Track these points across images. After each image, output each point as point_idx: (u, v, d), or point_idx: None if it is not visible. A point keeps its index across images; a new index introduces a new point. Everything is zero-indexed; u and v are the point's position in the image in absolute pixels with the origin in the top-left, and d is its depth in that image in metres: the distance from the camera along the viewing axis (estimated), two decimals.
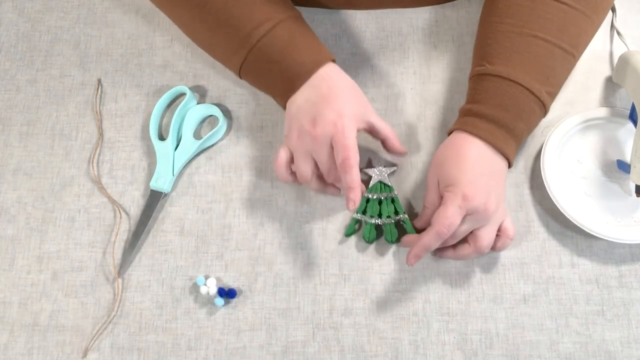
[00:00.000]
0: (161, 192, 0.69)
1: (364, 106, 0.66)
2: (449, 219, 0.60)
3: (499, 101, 0.63)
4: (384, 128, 0.66)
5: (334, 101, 0.63)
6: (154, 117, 0.71)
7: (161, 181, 0.69)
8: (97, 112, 0.74)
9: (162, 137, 0.72)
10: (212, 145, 0.72)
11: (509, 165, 0.65)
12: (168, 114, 0.73)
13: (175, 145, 0.70)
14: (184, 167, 0.71)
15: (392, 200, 0.68)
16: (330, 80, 0.64)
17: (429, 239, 0.61)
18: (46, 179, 0.71)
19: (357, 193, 0.61)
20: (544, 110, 0.65)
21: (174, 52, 0.76)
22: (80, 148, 0.72)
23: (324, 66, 0.64)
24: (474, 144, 0.63)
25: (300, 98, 0.64)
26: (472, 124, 0.63)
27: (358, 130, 0.64)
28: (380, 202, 0.68)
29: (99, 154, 0.72)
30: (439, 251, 0.66)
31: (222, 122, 0.71)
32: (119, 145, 0.72)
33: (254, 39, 0.63)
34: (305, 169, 0.64)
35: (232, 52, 0.65)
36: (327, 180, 0.66)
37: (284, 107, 0.67)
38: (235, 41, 0.64)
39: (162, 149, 0.70)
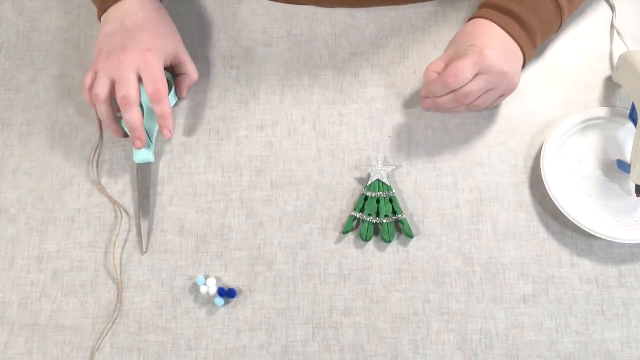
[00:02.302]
0: (149, 163, 0.70)
1: (175, 42, 0.70)
2: (460, 70, 0.63)
3: None
4: (190, 65, 0.71)
5: (146, 33, 0.67)
6: None
7: (143, 153, 0.69)
8: (97, 112, 0.74)
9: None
10: (175, 105, 0.73)
11: (524, 61, 0.68)
12: None
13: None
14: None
15: (391, 200, 0.68)
16: (150, 9, 0.68)
17: (436, 85, 0.65)
18: (46, 179, 0.71)
19: (170, 121, 0.67)
20: (560, 13, 0.68)
21: None
22: (80, 148, 0.72)
23: None
24: (492, 26, 0.66)
25: (114, 22, 0.67)
26: (488, 14, 0.67)
27: (166, 66, 0.69)
28: (378, 200, 0.68)
29: (99, 154, 0.72)
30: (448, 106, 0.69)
31: (174, 83, 0.72)
32: (119, 145, 0.72)
33: None
34: (101, 90, 0.65)
35: None
36: (119, 105, 0.65)
37: (99, 16, 0.70)
38: None
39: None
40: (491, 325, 0.65)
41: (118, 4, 0.68)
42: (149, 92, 0.65)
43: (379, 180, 0.69)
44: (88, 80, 0.66)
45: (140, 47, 0.65)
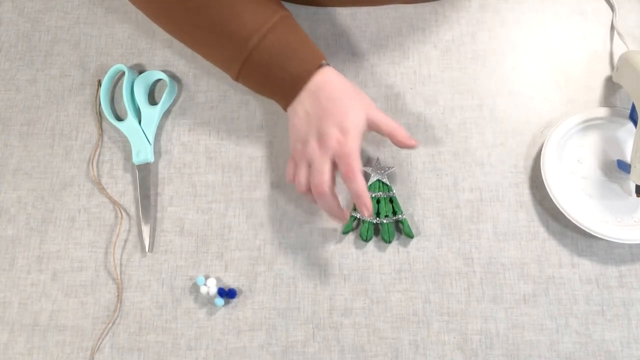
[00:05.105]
0: (147, 163, 0.71)
1: (365, 106, 0.65)
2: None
3: None
4: (386, 124, 0.65)
5: (335, 114, 0.63)
6: (103, 102, 0.72)
7: (142, 154, 0.70)
8: (97, 112, 0.74)
9: (120, 118, 0.73)
10: (171, 106, 0.74)
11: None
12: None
13: (138, 119, 0.72)
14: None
15: (391, 200, 0.68)
16: (327, 89, 0.64)
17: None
18: (46, 179, 0.71)
19: (366, 199, 0.61)
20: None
21: (174, 52, 0.76)
22: (80, 148, 0.72)
23: (319, 72, 0.64)
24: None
25: (301, 109, 0.64)
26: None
27: (362, 134, 0.64)
28: (378, 201, 0.68)
29: (99, 154, 0.72)
30: None
31: (169, 82, 0.73)
32: (119, 145, 0.72)
33: (247, 50, 0.63)
34: (304, 179, 0.64)
35: (228, 62, 0.66)
36: (316, 191, 0.64)
37: (285, 109, 0.67)
38: (229, 51, 0.65)
39: (127, 127, 0.71)
40: (491, 325, 0.65)
41: (299, 96, 0.65)
42: (342, 172, 0.62)
43: (379, 180, 0.69)
44: (290, 171, 0.66)
45: (333, 133, 0.62)
